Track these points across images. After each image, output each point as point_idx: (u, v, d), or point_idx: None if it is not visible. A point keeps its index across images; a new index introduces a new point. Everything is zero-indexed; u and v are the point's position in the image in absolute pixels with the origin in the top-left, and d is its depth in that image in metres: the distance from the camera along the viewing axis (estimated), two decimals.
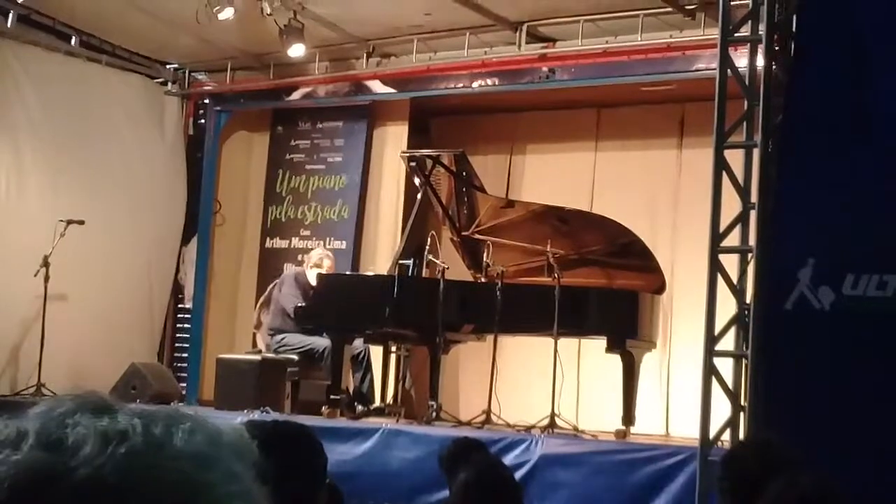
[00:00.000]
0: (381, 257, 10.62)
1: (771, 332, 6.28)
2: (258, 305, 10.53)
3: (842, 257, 6.11)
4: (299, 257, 10.89)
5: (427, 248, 8.79)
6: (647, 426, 9.06)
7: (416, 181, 9.28)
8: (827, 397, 6.06)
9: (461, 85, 10.47)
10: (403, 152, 9.81)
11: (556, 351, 8.20)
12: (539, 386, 8.72)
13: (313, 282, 9.36)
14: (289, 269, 10.70)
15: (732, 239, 6.67)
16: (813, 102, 6.34)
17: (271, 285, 10.18)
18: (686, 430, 9.12)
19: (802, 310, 6.12)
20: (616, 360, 8.46)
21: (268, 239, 11.48)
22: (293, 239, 11.28)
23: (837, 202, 6.17)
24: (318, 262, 9.68)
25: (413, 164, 9.28)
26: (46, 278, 9.86)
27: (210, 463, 0.82)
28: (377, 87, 10.88)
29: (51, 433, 0.80)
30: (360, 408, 9.08)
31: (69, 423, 0.81)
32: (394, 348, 9.62)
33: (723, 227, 6.61)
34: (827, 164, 6.24)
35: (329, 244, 10.77)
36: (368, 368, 9.43)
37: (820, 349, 6.12)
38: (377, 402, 9.45)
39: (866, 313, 5.97)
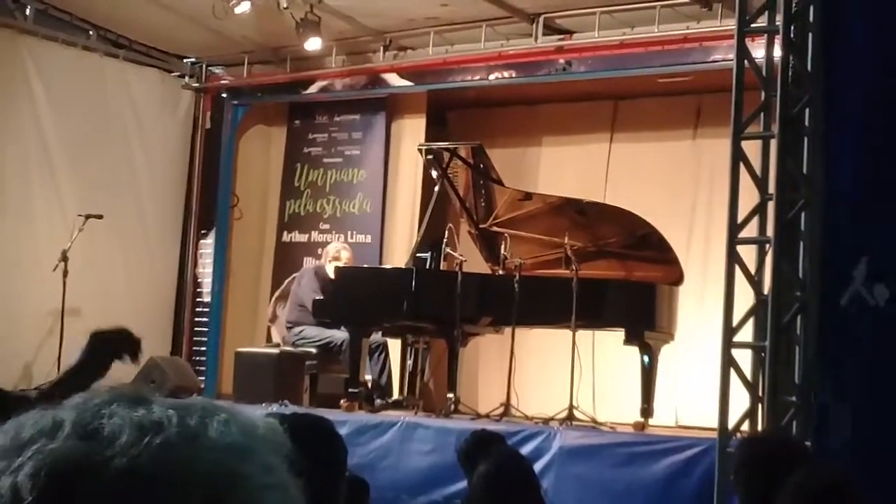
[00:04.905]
0: (399, 250, 10.63)
1: (825, 328, 6.20)
2: (273, 299, 10.55)
3: None
4: (319, 251, 10.90)
5: (445, 240, 8.79)
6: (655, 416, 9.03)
7: (434, 174, 9.28)
8: (884, 394, 5.99)
9: (478, 77, 10.46)
10: (421, 145, 9.80)
11: (574, 343, 8.20)
12: (557, 378, 8.72)
13: (332, 276, 9.37)
14: (309, 262, 10.71)
15: (750, 230, 6.65)
16: (853, 96, 6.24)
17: (288, 279, 10.19)
18: (690, 421, 9.14)
19: (857, 306, 6.03)
20: (632, 352, 8.45)
21: (285, 233, 11.49)
22: (312, 233, 11.29)
23: (890, 199, 6.08)
24: (336, 255, 9.67)
25: (430, 156, 9.26)
26: (65, 273, 9.91)
27: (246, 454, 0.82)
28: (394, 80, 10.88)
29: (87, 423, 0.81)
30: (378, 401, 9.09)
31: (105, 413, 0.81)
32: (412, 341, 9.63)
33: (740, 218, 6.59)
34: (873, 159, 6.15)
35: (351, 238, 10.79)
36: (387, 361, 9.45)
37: (876, 345, 6.04)
38: (395, 395, 9.46)
39: None
